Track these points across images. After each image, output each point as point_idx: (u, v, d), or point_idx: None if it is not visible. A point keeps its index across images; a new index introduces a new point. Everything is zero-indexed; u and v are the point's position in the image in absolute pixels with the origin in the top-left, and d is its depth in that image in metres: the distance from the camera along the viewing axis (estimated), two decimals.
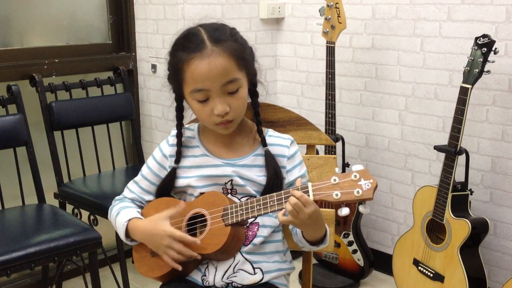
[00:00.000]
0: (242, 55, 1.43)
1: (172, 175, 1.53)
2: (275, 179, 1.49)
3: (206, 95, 1.41)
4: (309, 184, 1.36)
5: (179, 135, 1.54)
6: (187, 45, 1.41)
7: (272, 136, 1.56)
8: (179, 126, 1.54)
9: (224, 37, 1.41)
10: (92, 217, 2.55)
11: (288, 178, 1.53)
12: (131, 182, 1.62)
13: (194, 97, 1.43)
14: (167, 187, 1.55)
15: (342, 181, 1.34)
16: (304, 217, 1.35)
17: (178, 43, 1.45)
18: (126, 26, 3.07)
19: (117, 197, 1.63)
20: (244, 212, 1.42)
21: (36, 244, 2.01)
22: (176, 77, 1.45)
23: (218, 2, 2.94)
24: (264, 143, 1.52)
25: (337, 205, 1.37)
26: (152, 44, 3.01)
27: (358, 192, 1.31)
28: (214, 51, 1.38)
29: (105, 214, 2.38)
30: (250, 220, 1.50)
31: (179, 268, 1.45)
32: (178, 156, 1.53)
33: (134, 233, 1.52)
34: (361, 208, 1.38)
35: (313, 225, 1.42)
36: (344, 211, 1.34)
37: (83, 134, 2.76)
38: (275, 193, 1.40)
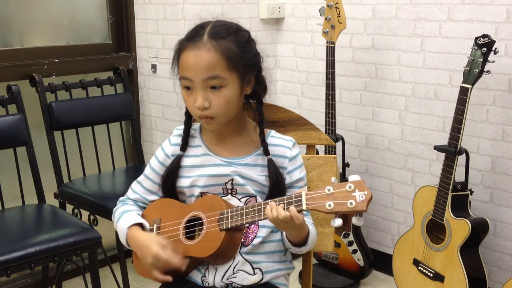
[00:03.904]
0: (236, 57, 1.43)
1: (177, 162, 1.53)
2: (277, 188, 1.49)
3: (190, 84, 1.44)
4: (303, 193, 1.35)
5: (187, 122, 1.55)
6: (190, 33, 1.46)
7: (275, 137, 1.56)
8: (188, 113, 1.54)
9: (223, 34, 1.43)
10: (92, 217, 2.55)
11: (288, 179, 1.53)
12: (134, 182, 1.63)
13: (182, 83, 1.47)
14: (171, 176, 1.54)
15: (337, 191, 1.32)
16: (285, 226, 1.39)
17: (188, 32, 1.49)
18: (126, 26, 3.07)
19: (120, 198, 1.64)
20: (239, 218, 1.42)
21: (36, 244, 2.00)
22: (174, 61, 1.49)
23: (218, 2, 2.94)
24: (265, 147, 1.51)
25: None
26: (152, 44, 3.01)
27: (351, 203, 1.30)
28: (205, 45, 1.41)
29: (105, 214, 2.39)
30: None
31: (168, 279, 1.46)
32: (185, 143, 1.54)
33: (130, 241, 1.53)
34: (354, 220, 1.35)
35: (295, 229, 1.44)
36: (337, 222, 1.33)
37: (83, 134, 2.76)
38: (269, 200, 1.40)
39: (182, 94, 1.49)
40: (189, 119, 1.55)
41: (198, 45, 1.41)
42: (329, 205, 1.32)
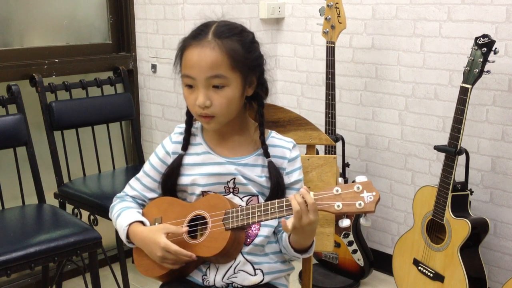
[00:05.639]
0: (240, 58, 1.43)
1: (179, 161, 1.53)
2: (278, 190, 1.49)
3: (193, 82, 1.43)
4: (311, 193, 1.35)
5: (189, 122, 1.55)
6: (195, 32, 1.46)
7: (275, 138, 1.56)
8: (189, 112, 1.54)
9: (228, 34, 1.43)
10: (92, 217, 2.55)
11: (287, 180, 1.53)
12: (133, 179, 1.62)
13: (184, 81, 1.46)
14: (172, 175, 1.53)
15: (345, 192, 1.32)
16: (306, 221, 1.34)
17: (192, 30, 1.48)
18: (126, 26, 3.07)
19: (118, 195, 1.63)
20: (245, 217, 1.42)
21: (36, 244, 2.00)
22: (177, 59, 1.48)
23: (218, 2, 2.94)
24: (265, 149, 1.51)
25: (338, 216, 1.36)
26: (152, 44, 3.01)
27: (360, 204, 1.30)
28: (210, 43, 1.41)
29: (105, 214, 2.38)
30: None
31: (193, 257, 1.46)
32: (186, 143, 1.54)
33: (133, 238, 1.52)
34: (362, 221, 1.35)
35: (308, 233, 1.42)
36: (345, 222, 1.33)
37: (83, 134, 2.76)
38: (276, 200, 1.40)
39: (183, 92, 1.49)
40: (190, 119, 1.55)
41: (202, 43, 1.41)
42: (338, 206, 1.32)
